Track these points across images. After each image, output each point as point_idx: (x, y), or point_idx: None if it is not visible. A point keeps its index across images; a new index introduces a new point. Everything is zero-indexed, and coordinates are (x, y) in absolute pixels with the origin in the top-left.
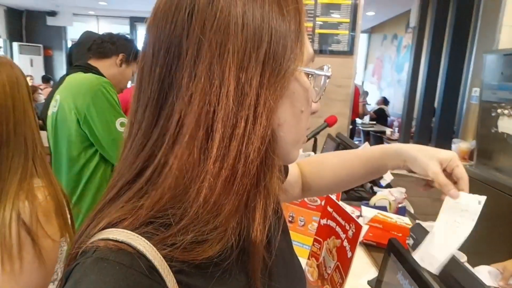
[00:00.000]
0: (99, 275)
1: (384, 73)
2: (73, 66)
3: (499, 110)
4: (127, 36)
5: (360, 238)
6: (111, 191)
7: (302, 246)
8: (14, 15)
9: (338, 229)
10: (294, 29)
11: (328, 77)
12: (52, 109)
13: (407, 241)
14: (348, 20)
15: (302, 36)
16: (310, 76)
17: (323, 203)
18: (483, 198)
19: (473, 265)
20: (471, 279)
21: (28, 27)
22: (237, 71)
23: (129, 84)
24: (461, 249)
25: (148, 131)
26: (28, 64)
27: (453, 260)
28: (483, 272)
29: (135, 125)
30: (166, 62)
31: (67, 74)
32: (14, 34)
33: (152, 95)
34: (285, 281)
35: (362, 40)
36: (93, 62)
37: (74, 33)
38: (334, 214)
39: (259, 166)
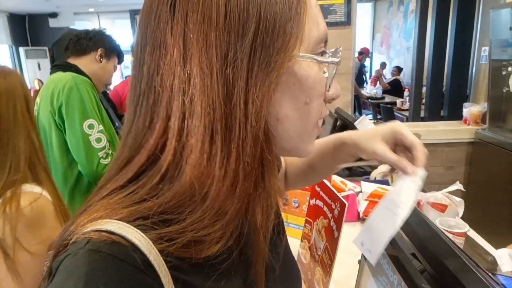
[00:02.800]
0: (91, 268)
1: (392, 42)
2: (52, 66)
3: (509, 68)
4: (103, 30)
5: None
6: (104, 188)
7: (298, 228)
8: (17, 21)
9: (325, 208)
10: (290, 10)
11: (337, 63)
12: (35, 112)
13: None
14: None
15: (300, 16)
16: (316, 61)
17: None
18: (423, 173)
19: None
20: (454, 256)
21: (32, 31)
22: (222, 67)
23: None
24: (477, 217)
25: (140, 134)
26: (36, 68)
27: (437, 236)
28: (504, 256)
29: (127, 123)
30: (153, 59)
31: None
32: (19, 39)
33: (143, 93)
34: (282, 282)
35: (367, 9)
36: (72, 60)
37: None
38: (322, 194)
39: (258, 168)
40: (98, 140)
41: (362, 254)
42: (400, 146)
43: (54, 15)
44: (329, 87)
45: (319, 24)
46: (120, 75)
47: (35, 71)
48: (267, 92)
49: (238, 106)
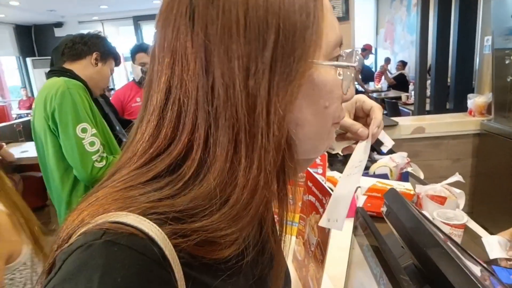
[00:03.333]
0: (108, 260)
1: (396, 36)
2: (47, 72)
3: None
4: (98, 34)
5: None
6: (116, 180)
7: (297, 225)
8: (24, 32)
9: (317, 203)
10: (309, 16)
11: (354, 68)
12: (32, 118)
13: (381, 209)
14: None
15: (318, 23)
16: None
17: None
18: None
19: (482, 223)
20: (437, 245)
21: (38, 41)
22: (245, 79)
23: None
24: (483, 210)
25: (162, 143)
26: (43, 77)
27: (421, 226)
28: (493, 243)
29: (139, 129)
30: (173, 71)
31: None
32: (26, 50)
33: (159, 103)
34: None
35: (369, 4)
36: (68, 65)
37: None
38: (313, 189)
39: (279, 176)
40: (92, 143)
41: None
42: (361, 117)
43: (59, 24)
44: (347, 90)
45: (335, 27)
46: (126, 79)
47: (42, 80)
48: (289, 102)
49: (261, 116)
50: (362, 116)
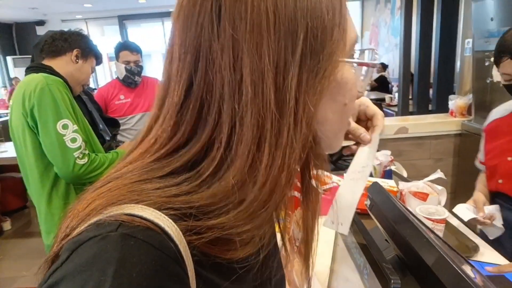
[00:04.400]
0: (124, 254)
1: (381, 39)
2: (26, 68)
3: (492, 59)
4: (80, 31)
5: None
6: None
7: (281, 220)
8: (4, 29)
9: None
10: (335, 15)
11: (374, 66)
12: (9, 116)
13: (365, 202)
14: None
15: (345, 21)
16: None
17: None
18: (380, 130)
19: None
20: (420, 236)
21: (20, 40)
22: (274, 76)
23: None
24: (450, 207)
25: (180, 140)
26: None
27: (404, 218)
28: (461, 210)
29: (157, 125)
30: (198, 67)
31: None
32: (7, 49)
33: (180, 100)
34: (277, 284)
35: (355, 8)
36: (47, 62)
37: None
38: (298, 184)
39: (306, 171)
40: (73, 140)
41: (333, 243)
42: (363, 120)
43: (41, 23)
44: (364, 89)
45: (353, 26)
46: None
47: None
48: (319, 99)
49: (289, 114)
50: (363, 120)
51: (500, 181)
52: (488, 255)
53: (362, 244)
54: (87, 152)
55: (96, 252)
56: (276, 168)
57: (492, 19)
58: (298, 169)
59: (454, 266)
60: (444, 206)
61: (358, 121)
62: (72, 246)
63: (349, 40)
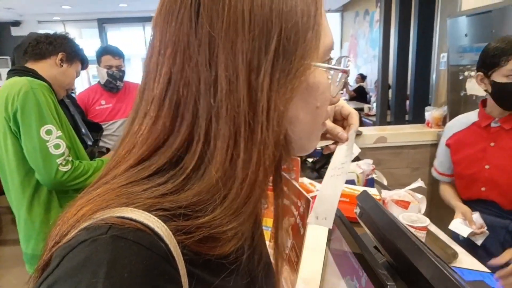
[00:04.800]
0: (114, 255)
1: (359, 50)
2: (8, 71)
3: (466, 73)
4: (65, 35)
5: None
6: (113, 179)
7: (267, 229)
8: None
9: (292, 207)
10: (309, 20)
11: (346, 72)
12: None
13: (354, 210)
14: None
15: (318, 26)
16: (326, 69)
17: None
18: (355, 128)
19: (440, 227)
20: (410, 243)
21: None
22: (247, 74)
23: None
24: (439, 214)
25: (160, 135)
26: None
27: (395, 226)
28: (457, 226)
29: (136, 123)
30: (175, 62)
31: None
32: None
33: (158, 94)
34: (267, 283)
35: (334, 19)
36: (30, 65)
37: None
38: (288, 192)
39: (276, 170)
40: (57, 146)
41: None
42: (339, 120)
43: (16, 23)
44: (337, 93)
45: (329, 33)
46: (88, 83)
47: None
48: (289, 98)
49: (261, 111)
50: (339, 120)
51: (483, 188)
52: (466, 262)
53: (355, 251)
54: (70, 159)
55: (87, 255)
56: (253, 164)
57: (466, 35)
58: (273, 168)
59: (444, 271)
60: (424, 214)
61: (335, 121)
62: (62, 252)
63: (324, 45)
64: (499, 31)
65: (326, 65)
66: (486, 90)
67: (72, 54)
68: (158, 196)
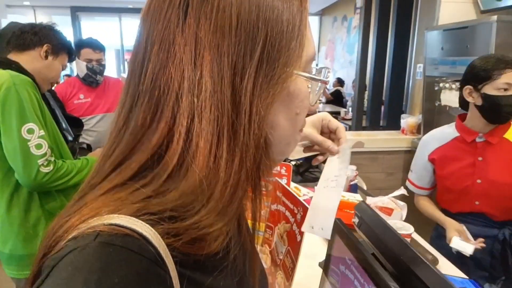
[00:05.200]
0: (104, 262)
1: (336, 55)
2: None
3: (441, 84)
4: (52, 25)
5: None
6: (100, 183)
7: (262, 233)
8: None
9: (287, 213)
10: (295, 29)
11: (326, 83)
12: None
13: (352, 220)
14: None
15: (302, 37)
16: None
17: None
18: (350, 142)
19: (422, 235)
20: (411, 253)
21: None
22: (231, 76)
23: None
24: (410, 221)
25: (140, 130)
26: None
27: (394, 236)
28: (459, 244)
29: (121, 120)
30: (159, 59)
31: None
32: None
33: (144, 90)
34: (258, 283)
35: (313, 22)
36: (13, 56)
37: None
38: (283, 199)
39: (257, 172)
40: (38, 146)
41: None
42: (325, 133)
43: None
44: (315, 102)
45: (312, 44)
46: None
47: None
48: (270, 103)
49: (244, 114)
50: (326, 132)
51: (476, 202)
52: (446, 268)
53: (360, 259)
54: (53, 159)
55: (77, 265)
56: (236, 164)
57: (442, 48)
58: (254, 170)
59: (447, 281)
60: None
61: (322, 133)
62: (52, 262)
63: (306, 55)
64: (473, 47)
65: (307, 74)
66: (474, 103)
67: (58, 46)
68: (144, 199)
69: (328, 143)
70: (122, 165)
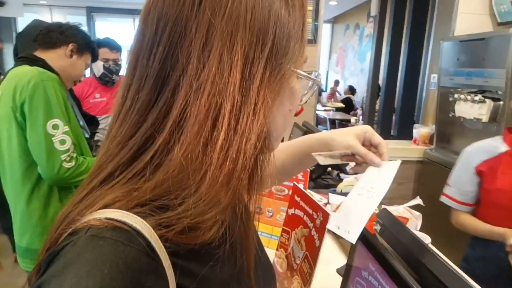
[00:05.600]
0: (94, 254)
1: (347, 63)
2: (17, 58)
3: (456, 95)
4: (78, 25)
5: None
6: (100, 173)
7: (271, 237)
8: None
9: (306, 218)
10: (297, 30)
11: (318, 84)
12: None
13: (374, 227)
14: (310, 8)
15: (303, 39)
16: (299, 78)
17: (290, 192)
18: (398, 162)
19: (437, 246)
20: (437, 261)
21: None
22: (243, 65)
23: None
24: (427, 231)
25: (144, 111)
26: None
27: (418, 243)
28: None
29: (128, 101)
30: (170, 41)
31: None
32: None
33: (152, 72)
34: (262, 281)
35: (325, 30)
36: (39, 54)
37: (25, 24)
38: (302, 203)
39: (256, 161)
40: (62, 142)
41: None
42: (366, 146)
43: (0, 4)
44: (305, 101)
45: (306, 47)
46: None
47: None
48: (277, 95)
49: (250, 103)
50: (367, 145)
51: None
52: None
53: (385, 265)
54: (75, 155)
55: (69, 258)
56: (234, 151)
57: (458, 59)
58: (252, 161)
59: (470, 286)
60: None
61: (362, 145)
62: (48, 258)
63: (303, 57)
64: (489, 59)
65: (305, 74)
66: None
67: (83, 46)
68: (132, 188)
69: (371, 155)
70: (126, 145)
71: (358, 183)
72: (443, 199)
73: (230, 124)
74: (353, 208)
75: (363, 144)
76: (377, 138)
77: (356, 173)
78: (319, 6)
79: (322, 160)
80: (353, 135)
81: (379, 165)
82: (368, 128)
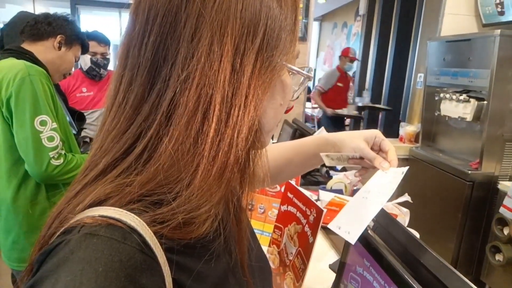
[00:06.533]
0: (88, 252)
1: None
2: (3, 50)
3: (441, 94)
4: (67, 16)
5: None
6: (93, 168)
7: (262, 233)
8: None
9: (299, 214)
10: (289, 23)
11: (309, 79)
12: None
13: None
14: (301, 6)
15: (294, 34)
16: (290, 73)
17: (282, 189)
18: (405, 169)
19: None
20: (430, 256)
21: None
22: (233, 57)
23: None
24: (414, 227)
25: (137, 104)
26: None
27: (412, 239)
28: None
29: (120, 94)
30: (161, 31)
31: None
32: None
33: (144, 63)
34: (258, 275)
35: (313, 28)
36: (27, 46)
37: (6, 15)
38: (295, 200)
39: (248, 154)
40: (51, 138)
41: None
42: (375, 150)
43: None
44: (297, 97)
45: (298, 41)
46: None
47: None
48: (267, 87)
49: (240, 95)
50: (376, 150)
51: None
52: None
53: (381, 261)
54: (63, 152)
55: (62, 257)
56: (226, 144)
57: (444, 59)
58: (244, 154)
59: (465, 281)
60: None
61: (371, 149)
62: (41, 257)
63: (295, 52)
64: (475, 59)
65: (296, 68)
66: None
67: (72, 37)
68: (123, 183)
69: (380, 160)
70: (120, 140)
71: (364, 186)
72: (502, 210)
73: (221, 116)
74: (356, 210)
75: (372, 148)
76: (387, 143)
77: (345, 170)
78: (309, 3)
79: (329, 162)
80: (363, 138)
81: (387, 169)
82: (378, 132)
